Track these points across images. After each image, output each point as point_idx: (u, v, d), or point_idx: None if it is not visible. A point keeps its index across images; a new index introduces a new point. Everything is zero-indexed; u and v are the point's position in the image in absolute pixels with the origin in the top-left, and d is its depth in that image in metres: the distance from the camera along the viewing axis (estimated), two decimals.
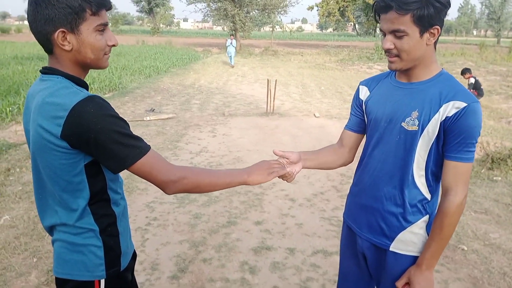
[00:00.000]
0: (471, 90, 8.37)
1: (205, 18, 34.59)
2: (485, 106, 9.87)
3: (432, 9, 1.26)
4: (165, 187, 1.18)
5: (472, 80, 8.37)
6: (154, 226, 3.48)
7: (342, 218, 1.73)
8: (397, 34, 1.30)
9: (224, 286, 2.70)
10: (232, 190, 4.28)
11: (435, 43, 1.36)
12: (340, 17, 31.21)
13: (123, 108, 8.49)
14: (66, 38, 1.11)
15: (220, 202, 4.01)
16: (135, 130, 6.69)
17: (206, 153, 5.59)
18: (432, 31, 1.30)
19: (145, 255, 3.04)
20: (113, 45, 1.21)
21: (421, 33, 1.29)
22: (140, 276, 2.78)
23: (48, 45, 1.14)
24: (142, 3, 52.30)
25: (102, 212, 1.22)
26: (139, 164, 1.13)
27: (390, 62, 1.39)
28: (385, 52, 1.39)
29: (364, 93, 1.58)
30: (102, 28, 1.16)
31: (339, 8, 29.83)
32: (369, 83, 1.59)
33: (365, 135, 1.64)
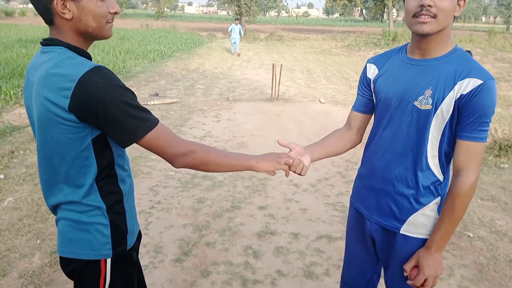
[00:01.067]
0: None
1: (210, 2, 34.19)
2: None
3: None
4: (174, 160, 1.17)
5: None
6: (157, 210, 3.47)
7: (349, 202, 1.69)
8: None
9: (227, 270, 2.69)
10: (236, 175, 4.25)
11: (454, 17, 1.31)
12: (347, 2, 30.71)
13: None
14: (66, 5, 1.07)
15: (224, 186, 3.98)
16: None
17: (210, 138, 5.56)
18: (460, 1, 1.28)
19: (148, 238, 3.03)
20: (116, 13, 1.16)
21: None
22: (143, 258, 2.77)
23: (48, 15, 1.09)
24: None
25: (109, 189, 1.19)
26: (149, 137, 1.11)
27: (422, 23, 1.26)
28: (417, 13, 1.26)
29: (373, 71, 1.52)
30: None
31: None
32: (377, 60, 1.53)
33: (373, 116, 1.59)
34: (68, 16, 1.08)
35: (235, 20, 17.00)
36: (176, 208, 3.51)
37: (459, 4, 1.27)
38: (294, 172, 1.49)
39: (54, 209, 1.23)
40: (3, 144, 4.83)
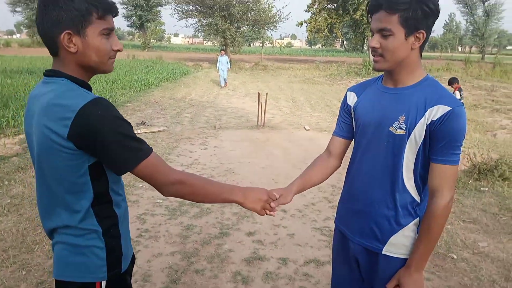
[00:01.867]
0: None
1: (196, 33, 34.90)
2: (471, 120, 10.06)
3: (420, 13, 1.31)
4: (162, 189, 1.23)
5: (458, 95, 8.34)
6: (145, 238, 3.46)
7: (334, 224, 1.76)
8: (384, 33, 1.35)
9: None
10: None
11: (421, 49, 1.41)
12: (328, 34, 31.69)
13: None
14: (72, 40, 1.14)
15: (212, 213, 4.00)
16: None
17: (197, 165, 5.60)
18: (417, 35, 1.35)
19: (136, 267, 3.01)
20: (118, 50, 1.24)
21: (407, 36, 1.34)
22: None
23: (53, 47, 1.16)
24: (133, 18, 52.63)
25: (105, 213, 1.23)
26: (141, 167, 1.16)
27: (374, 62, 1.44)
28: (371, 52, 1.44)
29: (352, 99, 1.62)
30: (107, 32, 1.19)
31: (327, 24, 30.30)
32: (356, 89, 1.64)
33: (352, 141, 1.68)
34: (73, 50, 1.15)
35: (221, 51, 16.64)
36: (164, 236, 3.51)
37: (417, 37, 1.36)
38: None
39: (51, 233, 1.26)
40: None
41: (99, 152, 1.12)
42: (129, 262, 1.35)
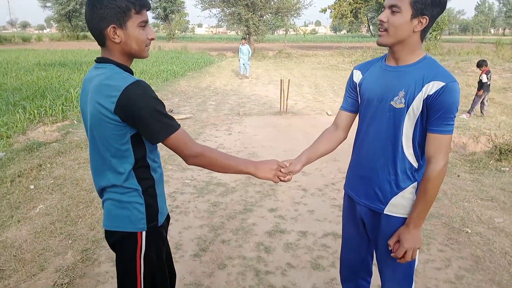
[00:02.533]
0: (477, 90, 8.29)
1: (219, 23, 35.11)
2: (499, 103, 9.89)
3: (429, 0, 1.49)
4: (187, 159, 1.48)
5: (485, 78, 8.14)
6: (176, 213, 3.76)
7: (343, 190, 1.96)
8: (393, 9, 1.53)
9: (241, 263, 2.95)
10: (248, 182, 4.53)
11: (422, 33, 1.57)
12: (353, 19, 31.25)
13: None
14: (116, 32, 1.40)
15: (237, 192, 4.26)
16: None
17: (222, 149, 5.86)
18: (421, 19, 1.52)
19: (169, 237, 3.27)
20: (152, 39, 1.50)
21: (412, 17, 1.51)
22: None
23: (102, 39, 1.43)
24: (158, 10, 53.38)
25: (144, 176, 1.49)
26: (171, 139, 1.41)
27: (379, 36, 1.62)
28: (377, 26, 1.63)
29: (357, 76, 1.81)
30: (143, 24, 1.45)
31: (352, 10, 29.88)
32: (362, 67, 1.83)
33: (357, 115, 1.87)
34: (117, 40, 1.41)
35: (242, 39, 15.40)
36: (193, 212, 3.80)
37: (420, 21, 1.53)
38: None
39: (101, 191, 1.54)
40: (31, 158, 5.21)
41: (138, 124, 1.37)
42: (164, 218, 1.62)
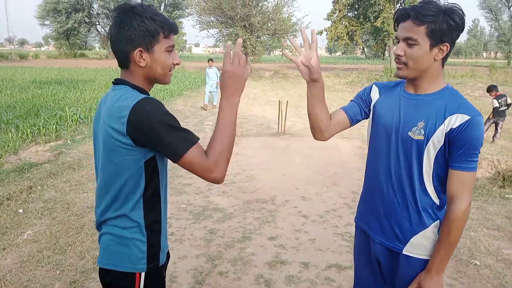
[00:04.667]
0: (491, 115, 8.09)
1: (217, 43, 35.44)
2: None
3: (446, 26, 1.39)
4: (206, 176, 1.26)
5: (496, 103, 7.92)
6: (171, 241, 3.58)
7: (355, 224, 1.82)
8: (409, 42, 1.43)
9: None
10: (246, 207, 4.37)
11: (444, 60, 1.48)
12: (348, 41, 31.67)
13: None
14: (142, 56, 1.31)
15: (235, 218, 4.10)
16: None
17: None
18: (441, 47, 1.42)
19: None
20: (177, 64, 1.40)
21: (431, 47, 1.41)
22: None
23: (125, 61, 1.33)
24: None
25: (152, 207, 1.36)
26: (189, 154, 1.22)
27: (398, 69, 1.51)
28: (395, 59, 1.51)
29: (375, 93, 1.70)
30: (170, 49, 1.36)
31: (348, 32, 30.33)
32: (381, 86, 1.71)
33: (348, 128, 1.74)
34: (143, 64, 1.32)
35: (208, 61, 12.44)
36: (189, 239, 3.63)
37: (441, 49, 1.43)
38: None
39: (100, 225, 1.39)
40: (21, 180, 5.03)
41: (153, 142, 1.22)
42: (165, 256, 1.46)
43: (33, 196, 4.59)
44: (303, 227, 3.92)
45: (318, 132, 1.71)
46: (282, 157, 6.61)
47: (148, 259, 1.35)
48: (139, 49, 1.30)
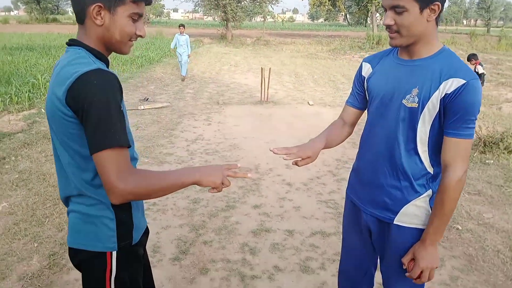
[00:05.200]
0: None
1: (196, 8, 34.22)
2: None
3: None
4: (110, 193, 1.09)
5: (481, 69, 7.97)
6: (153, 211, 3.50)
7: (346, 194, 1.77)
8: (397, 10, 1.32)
9: (225, 267, 2.74)
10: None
11: (437, 19, 1.37)
12: (331, 7, 31.05)
13: None
14: (100, 13, 1.14)
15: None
16: (130, 119, 6.65)
17: (202, 141, 5.60)
18: (432, 7, 1.31)
19: None
20: (140, 36, 1.24)
21: (421, 9, 1.31)
22: None
23: (81, 15, 1.17)
24: None
25: None
26: (100, 155, 1.06)
27: (390, 38, 1.41)
28: (386, 28, 1.41)
29: (367, 70, 1.61)
30: (136, 17, 1.19)
31: None
32: (371, 60, 1.61)
33: (365, 111, 1.67)
34: (99, 22, 1.15)
35: (179, 27, 11.09)
36: (172, 209, 3.55)
37: (432, 9, 1.32)
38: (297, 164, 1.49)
39: (66, 201, 1.27)
40: None
41: (82, 118, 1.07)
42: (141, 233, 1.35)
43: (7, 167, 4.40)
44: (287, 195, 3.90)
45: (345, 139, 1.77)
46: (265, 126, 6.52)
47: (119, 237, 1.24)
48: (98, 3, 1.13)
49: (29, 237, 3.03)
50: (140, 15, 1.21)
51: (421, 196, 1.47)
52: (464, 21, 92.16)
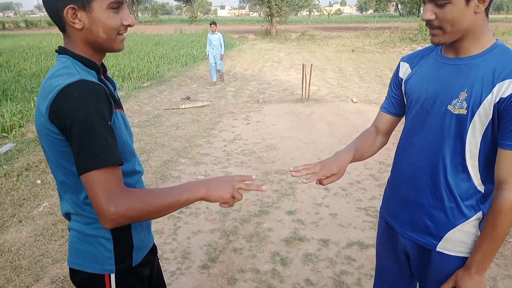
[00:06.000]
0: None
1: (242, 4, 34.39)
2: None
3: None
4: (102, 216, 0.99)
5: None
6: (186, 214, 3.47)
7: (379, 213, 1.58)
8: (438, 2, 1.13)
9: (254, 277, 2.63)
10: (265, 179, 4.19)
11: (487, 10, 1.16)
12: None
13: (160, 97, 8.59)
14: (76, 15, 1.04)
15: (252, 190, 3.93)
16: (171, 118, 6.74)
17: (239, 141, 5.53)
18: None
19: (176, 243, 3.03)
20: (129, 25, 1.12)
21: (467, 0, 1.11)
22: (171, 264, 2.77)
23: (60, 23, 1.07)
24: None
25: None
26: (88, 176, 0.97)
27: (432, 35, 1.21)
28: (426, 25, 1.22)
29: (405, 71, 1.41)
30: (116, 5, 1.07)
31: None
32: (411, 59, 1.41)
33: (403, 118, 1.47)
34: (78, 26, 1.05)
35: (210, 25, 9.98)
36: (204, 213, 3.50)
37: (481, 0, 1.12)
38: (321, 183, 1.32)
39: (67, 216, 1.21)
40: (41, 150, 5.02)
41: (67, 136, 0.98)
42: (144, 254, 1.27)
43: None
44: (324, 201, 3.71)
45: (377, 151, 1.56)
46: (304, 125, 6.33)
47: (117, 258, 1.16)
48: (70, 6, 1.01)
49: (65, 239, 3.10)
50: (120, 2, 1.08)
51: (470, 220, 1.26)
52: None
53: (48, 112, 0.98)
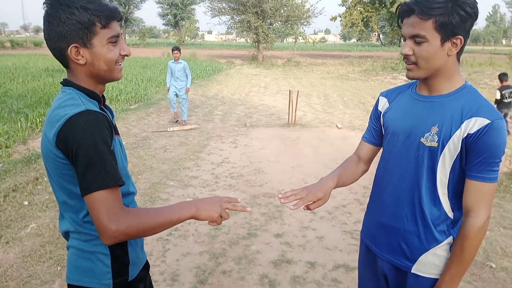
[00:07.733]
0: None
1: (229, 30, 35.06)
2: None
3: (457, 17, 1.21)
4: (102, 234, 1.09)
5: (498, 95, 7.77)
6: (175, 237, 3.51)
7: (360, 237, 1.69)
8: (417, 39, 1.27)
9: None
10: (252, 202, 4.27)
11: (459, 54, 1.31)
12: (363, 28, 30.94)
13: (148, 119, 8.65)
14: (79, 52, 1.15)
15: (241, 213, 4.00)
16: (159, 140, 6.80)
17: (227, 164, 5.62)
18: (454, 40, 1.25)
19: (165, 265, 3.06)
20: (126, 55, 1.24)
21: (442, 42, 1.25)
22: (160, 287, 2.79)
23: (64, 60, 1.19)
24: (168, 16, 53.64)
25: None
26: (93, 196, 1.07)
27: (407, 70, 1.35)
28: (403, 59, 1.36)
29: (383, 105, 1.55)
30: (114, 40, 1.19)
31: (363, 18, 29.57)
32: (389, 94, 1.56)
33: (381, 148, 1.61)
34: (81, 62, 1.16)
35: (173, 51, 7.98)
36: (193, 235, 3.54)
37: (454, 43, 1.26)
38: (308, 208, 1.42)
39: (66, 235, 1.29)
40: (28, 171, 5.00)
41: (73, 160, 1.09)
42: (139, 269, 1.35)
43: (39, 187, 4.57)
44: (311, 224, 3.80)
45: (361, 176, 1.69)
46: (291, 149, 6.47)
47: (114, 273, 1.24)
48: (73, 45, 1.14)
49: (53, 260, 3.10)
50: (117, 36, 1.19)
51: (441, 244, 1.38)
52: (504, 41, 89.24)
53: (56, 139, 1.09)
